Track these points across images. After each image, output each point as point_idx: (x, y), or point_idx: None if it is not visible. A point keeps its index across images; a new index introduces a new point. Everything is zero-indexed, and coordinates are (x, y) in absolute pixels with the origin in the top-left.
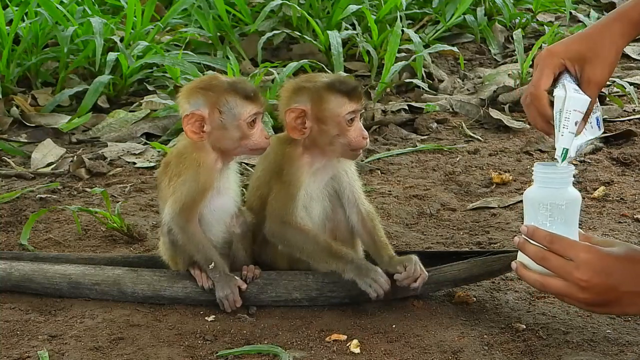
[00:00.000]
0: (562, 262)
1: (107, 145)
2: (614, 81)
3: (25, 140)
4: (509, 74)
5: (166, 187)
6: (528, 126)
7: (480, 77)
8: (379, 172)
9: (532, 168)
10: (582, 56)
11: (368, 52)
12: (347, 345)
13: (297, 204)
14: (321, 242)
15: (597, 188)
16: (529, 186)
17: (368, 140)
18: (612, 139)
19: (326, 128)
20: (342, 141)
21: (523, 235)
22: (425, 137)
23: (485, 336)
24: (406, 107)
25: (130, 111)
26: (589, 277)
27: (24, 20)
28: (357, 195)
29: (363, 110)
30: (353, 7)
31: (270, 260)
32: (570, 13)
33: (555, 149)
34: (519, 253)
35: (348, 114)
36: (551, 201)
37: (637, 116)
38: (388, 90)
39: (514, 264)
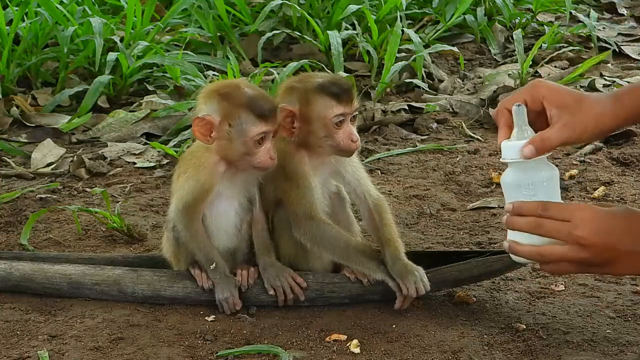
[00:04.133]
0: (559, 225)
1: (107, 145)
2: (614, 81)
3: (25, 140)
4: (509, 74)
5: (175, 183)
6: None
7: (480, 77)
8: (379, 172)
9: (500, 148)
10: (564, 105)
11: (368, 52)
12: (347, 345)
13: (315, 197)
14: (352, 242)
15: (597, 188)
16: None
17: (359, 143)
18: (612, 139)
19: (313, 129)
20: (330, 143)
21: (509, 214)
22: (425, 137)
23: (485, 336)
24: (406, 107)
25: (130, 111)
26: (588, 234)
27: (24, 20)
28: (365, 188)
29: (355, 114)
30: (353, 7)
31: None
32: (570, 13)
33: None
34: (509, 232)
35: (335, 116)
36: (532, 180)
37: None
38: (388, 90)
39: (505, 244)
